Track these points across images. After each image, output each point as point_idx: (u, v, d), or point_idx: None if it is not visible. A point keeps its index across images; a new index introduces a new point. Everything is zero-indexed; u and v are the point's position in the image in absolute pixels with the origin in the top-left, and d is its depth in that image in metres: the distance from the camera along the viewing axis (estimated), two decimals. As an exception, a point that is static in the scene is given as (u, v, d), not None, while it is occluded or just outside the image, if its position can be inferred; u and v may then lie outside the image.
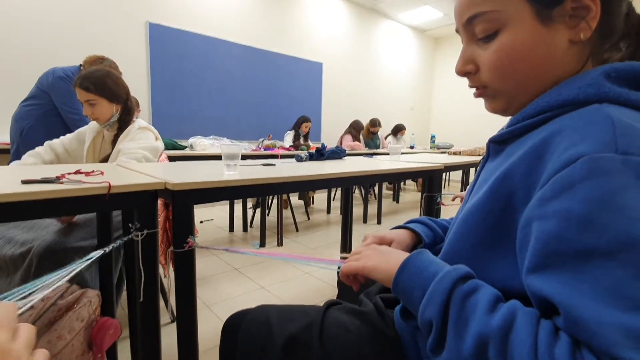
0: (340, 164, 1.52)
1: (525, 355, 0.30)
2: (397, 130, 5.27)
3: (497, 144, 0.49)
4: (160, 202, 1.24)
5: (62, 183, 0.71)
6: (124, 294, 1.41)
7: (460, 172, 5.53)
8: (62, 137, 1.57)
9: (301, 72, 5.18)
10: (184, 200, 0.75)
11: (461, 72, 0.48)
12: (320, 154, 1.72)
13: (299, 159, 1.61)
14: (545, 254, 0.33)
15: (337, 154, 1.82)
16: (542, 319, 0.33)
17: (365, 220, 3.61)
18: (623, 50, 0.43)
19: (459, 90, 7.08)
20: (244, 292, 1.89)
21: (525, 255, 0.35)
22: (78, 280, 1.19)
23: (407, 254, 0.46)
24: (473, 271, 0.41)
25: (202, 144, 2.76)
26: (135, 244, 0.76)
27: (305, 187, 1.08)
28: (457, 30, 0.48)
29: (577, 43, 0.40)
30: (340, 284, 0.91)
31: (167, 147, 2.61)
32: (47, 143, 1.55)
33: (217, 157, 2.53)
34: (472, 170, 5.31)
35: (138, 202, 0.73)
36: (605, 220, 0.29)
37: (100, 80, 1.37)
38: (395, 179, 1.39)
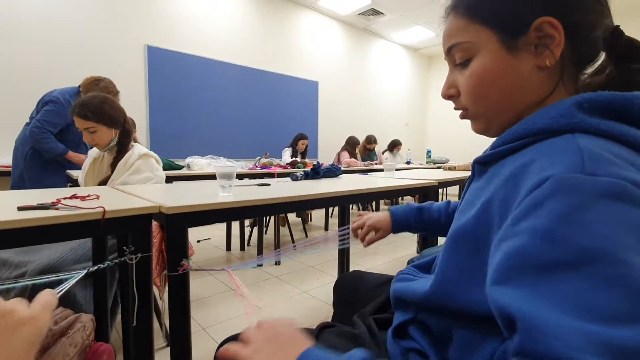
0: (336, 183, 1.53)
1: None
2: (394, 146, 5.32)
3: (481, 164, 0.51)
4: (156, 223, 1.25)
5: (57, 209, 0.72)
6: (119, 317, 1.39)
7: (457, 187, 5.55)
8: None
9: (297, 91, 5.27)
10: (178, 224, 0.76)
11: (445, 96, 0.52)
12: (316, 172, 1.74)
13: (295, 177, 1.62)
14: (508, 268, 0.33)
15: (333, 172, 1.83)
16: None
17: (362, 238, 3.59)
18: (604, 75, 0.45)
19: (453, 106, 7.17)
20: (240, 313, 1.87)
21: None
22: (72, 304, 1.18)
23: (298, 353, 0.38)
24: (453, 297, 0.43)
25: (199, 163, 2.78)
26: (129, 267, 0.76)
27: (301, 207, 1.09)
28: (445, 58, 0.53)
29: (545, 69, 0.43)
30: (335, 304, 0.91)
31: (165, 167, 2.62)
32: (78, 179, 1.65)
33: (214, 177, 2.54)
34: (468, 185, 5.31)
35: (132, 227, 0.74)
36: (568, 234, 0.30)
37: (98, 107, 1.40)
38: (390, 196, 1.40)
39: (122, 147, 1.46)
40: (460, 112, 0.52)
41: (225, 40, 4.42)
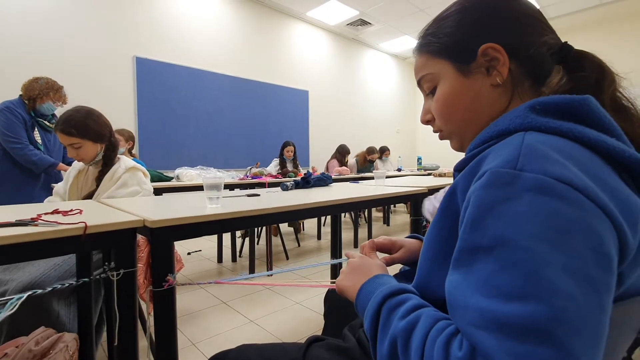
0: (326, 192, 1.52)
1: (419, 344, 0.36)
2: (382, 152, 5.36)
3: (459, 172, 0.52)
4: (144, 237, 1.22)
5: (36, 225, 0.69)
6: (105, 334, 1.35)
7: (448, 192, 5.57)
8: (60, 182, 1.58)
9: (288, 100, 5.29)
10: (163, 238, 0.74)
11: (423, 122, 0.58)
12: (307, 182, 1.73)
13: (285, 187, 1.61)
14: (454, 256, 0.38)
15: (323, 180, 1.83)
16: (443, 320, 0.38)
17: (355, 245, 3.58)
18: (559, 85, 0.48)
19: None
20: (232, 327, 1.83)
21: None
22: (55, 323, 1.14)
23: (369, 276, 0.52)
24: (431, 289, 0.46)
25: (189, 174, 2.75)
26: (112, 284, 0.73)
27: (291, 217, 1.08)
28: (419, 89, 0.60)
29: (499, 86, 0.48)
30: (326, 316, 0.89)
31: (153, 179, 2.59)
32: (54, 189, 1.58)
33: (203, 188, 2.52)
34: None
35: (115, 242, 0.72)
36: (489, 222, 0.34)
37: (82, 123, 1.36)
38: (381, 204, 1.40)
39: (108, 161, 1.43)
40: (438, 134, 0.58)
41: (215, 51, 4.43)
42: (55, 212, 0.86)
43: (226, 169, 3.61)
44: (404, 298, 0.43)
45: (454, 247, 0.42)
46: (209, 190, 0.98)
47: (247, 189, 2.72)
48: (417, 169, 5.33)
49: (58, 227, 0.67)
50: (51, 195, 1.53)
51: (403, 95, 7.59)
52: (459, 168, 0.50)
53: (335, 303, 0.87)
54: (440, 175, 2.82)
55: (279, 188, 1.66)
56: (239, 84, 4.67)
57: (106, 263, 0.72)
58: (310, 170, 4.39)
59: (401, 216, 5.62)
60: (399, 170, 5.19)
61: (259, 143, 4.93)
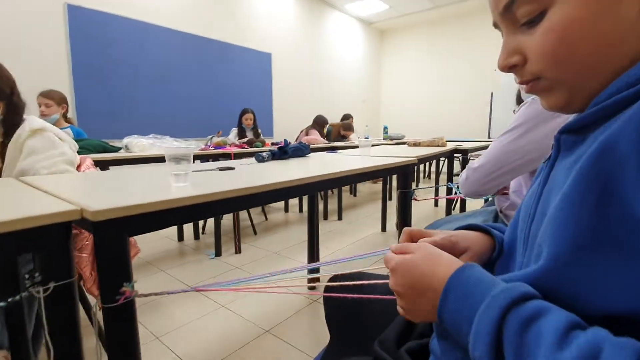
0: (308, 163, 1.34)
1: None
2: (345, 119, 5.24)
3: (575, 133, 0.36)
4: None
5: None
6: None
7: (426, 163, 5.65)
8: None
9: (249, 63, 4.87)
10: (113, 234, 0.51)
11: (505, 67, 0.38)
12: (284, 152, 1.52)
13: (260, 158, 1.39)
14: None
15: (301, 150, 1.63)
16: None
17: (325, 217, 3.47)
18: None
19: (406, 83, 7.26)
20: (201, 314, 1.64)
21: None
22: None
23: (444, 281, 0.36)
24: (562, 287, 0.30)
25: (140, 144, 2.40)
26: (40, 302, 0.51)
27: (281, 195, 0.88)
28: (494, 25, 0.40)
29: None
30: (329, 320, 0.72)
31: (97, 149, 2.22)
32: None
33: (159, 160, 2.20)
34: (435, 162, 5.42)
35: (39, 244, 0.48)
36: None
37: None
38: (375, 176, 1.25)
39: (9, 127, 1.08)
40: (526, 85, 0.38)
41: (166, 1, 3.87)
42: (-55, 198, 0.60)
43: (183, 137, 3.23)
44: (537, 308, 0.28)
45: (607, 230, 0.28)
46: (174, 164, 0.75)
47: (209, 161, 2.44)
48: (383, 138, 5.26)
49: None
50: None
51: (368, 63, 7.38)
52: (575, 127, 0.35)
53: (337, 303, 0.71)
54: (415, 144, 2.72)
55: (253, 159, 1.43)
56: (193, 41, 4.17)
57: (27, 274, 0.48)
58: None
59: (365, 186, 5.59)
60: (367, 139, 5.09)
61: (218, 110, 4.52)
